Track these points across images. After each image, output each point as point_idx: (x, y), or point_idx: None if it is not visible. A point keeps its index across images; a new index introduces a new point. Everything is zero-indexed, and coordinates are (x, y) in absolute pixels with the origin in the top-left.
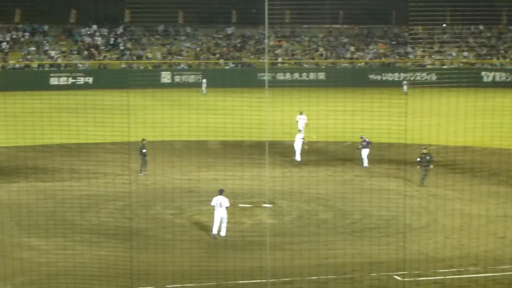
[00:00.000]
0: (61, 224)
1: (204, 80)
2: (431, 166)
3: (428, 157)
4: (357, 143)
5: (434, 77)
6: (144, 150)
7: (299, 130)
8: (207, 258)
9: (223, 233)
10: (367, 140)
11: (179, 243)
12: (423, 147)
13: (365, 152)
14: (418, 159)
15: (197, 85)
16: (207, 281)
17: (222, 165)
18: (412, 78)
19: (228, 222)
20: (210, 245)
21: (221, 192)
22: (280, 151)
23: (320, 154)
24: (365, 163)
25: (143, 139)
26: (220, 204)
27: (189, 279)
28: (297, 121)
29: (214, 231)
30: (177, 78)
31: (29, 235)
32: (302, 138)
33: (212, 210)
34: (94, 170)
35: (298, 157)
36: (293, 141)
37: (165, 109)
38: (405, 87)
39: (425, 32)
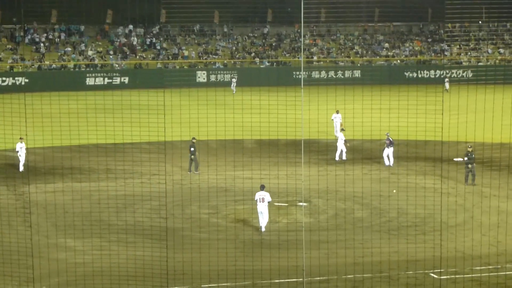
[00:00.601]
0: (97, 224)
1: (234, 80)
2: (474, 165)
3: (473, 156)
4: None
5: (470, 74)
6: (192, 149)
7: (342, 130)
8: (242, 258)
9: (263, 229)
10: (390, 139)
11: (215, 242)
12: (469, 146)
13: (386, 152)
14: (466, 158)
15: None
16: (242, 281)
17: (258, 164)
18: (448, 75)
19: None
20: (245, 244)
21: (262, 188)
22: (315, 149)
23: (356, 152)
24: (391, 162)
25: (193, 138)
26: (262, 199)
27: (224, 278)
28: (332, 120)
29: (261, 224)
30: (212, 77)
31: (65, 235)
32: (344, 139)
33: (249, 208)
34: (130, 170)
35: (337, 157)
36: (330, 139)
37: (201, 109)
38: (447, 85)
39: (461, 29)
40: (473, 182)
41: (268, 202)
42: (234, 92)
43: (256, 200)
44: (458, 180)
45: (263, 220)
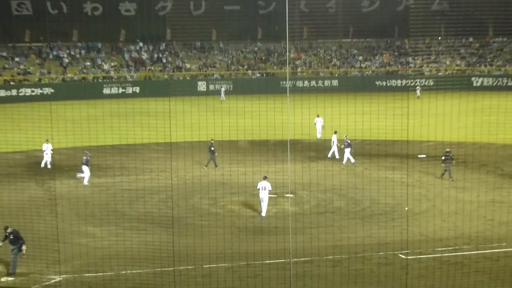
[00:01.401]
0: (113, 214)
1: (223, 89)
2: (454, 162)
3: (450, 155)
4: (342, 141)
5: (431, 83)
6: (212, 148)
7: (335, 132)
8: (238, 242)
9: (263, 213)
10: (348, 141)
11: (214, 229)
12: (447, 146)
13: (347, 151)
14: (443, 157)
15: (229, 92)
16: (238, 262)
17: (250, 162)
18: (412, 84)
19: (253, 211)
20: (240, 231)
21: (265, 178)
22: (300, 148)
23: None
24: (352, 160)
25: (212, 139)
26: (264, 188)
27: (223, 260)
28: (315, 123)
29: (262, 208)
30: (211, 87)
31: (86, 224)
32: (336, 144)
33: (243, 199)
34: (141, 167)
35: (337, 155)
36: (312, 140)
37: (201, 114)
38: (418, 92)
39: (423, 44)
40: (450, 178)
41: (269, 190)
42: (223, 99)
43: (259, 189)
44: (422, 173)
45: (264, 205)
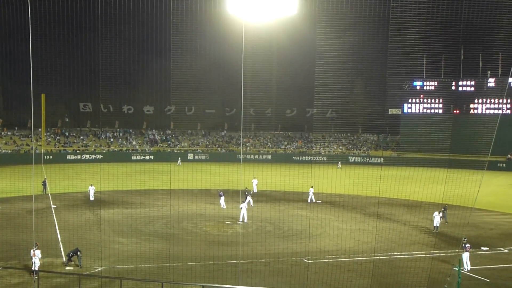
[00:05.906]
0: (134, 230)
1: (179, 159)
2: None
3: (445, 209)
4: (247, 191)
5: (325, 158)
6: (246, 193)
7: (312, 186)
8: (208, 249)
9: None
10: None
11: (194, 241)
12: (446, 204)
13: (247, 199)
14: (443, 209)
15: (207, 160)
16: (208, 261)
17: (218, 201)
18: (316, 159)
19: (218, 231)
20: (209, 243)
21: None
22: (247, 194)
23: (268, 196)
24: (251, 202)
25: (246, 188)
26: (245, 205)
27: (199, 259)
28: (252, 182)
29: (240, 220)
30: (196, 157)
31: (118, 236)
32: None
33: (212, 224)
34: (152, 203)
35: (313, 200)
36: (250, 190)
37: (189, 172)
38: (339, 164)
39: (321, 136)
40: (446, 222)
41: (246, 208)
42: (180, 164)
43: (241, 207)
44: (318, 212)
45: (245, 217)
